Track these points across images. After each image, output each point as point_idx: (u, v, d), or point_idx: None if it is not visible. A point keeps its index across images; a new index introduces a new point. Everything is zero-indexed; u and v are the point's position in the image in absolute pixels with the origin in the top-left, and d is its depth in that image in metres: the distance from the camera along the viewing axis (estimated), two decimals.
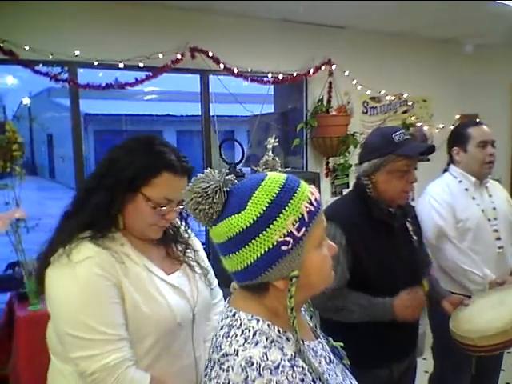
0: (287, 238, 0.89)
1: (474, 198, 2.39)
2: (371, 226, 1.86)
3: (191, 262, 1.47)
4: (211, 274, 1.55)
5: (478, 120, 2.94)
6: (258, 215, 0.89)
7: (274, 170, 3.47)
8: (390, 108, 4.56)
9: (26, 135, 3.13)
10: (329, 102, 4.05)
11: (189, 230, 1.55)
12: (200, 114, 3.74)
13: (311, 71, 3.90)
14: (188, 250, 1.49)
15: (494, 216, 2.39)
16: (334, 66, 4.01)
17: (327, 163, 4.19)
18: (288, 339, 0.94)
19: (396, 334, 1.85)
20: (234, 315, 0.96)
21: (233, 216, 0.91)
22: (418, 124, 4.68)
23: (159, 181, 1.30)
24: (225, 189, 0.94)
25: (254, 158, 3.77)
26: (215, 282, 1.58)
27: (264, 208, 0.90)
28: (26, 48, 2.84)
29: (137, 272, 1.30)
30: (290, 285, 0.92)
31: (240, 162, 3.29)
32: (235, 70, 3.52)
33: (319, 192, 1.06)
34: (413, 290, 1.76)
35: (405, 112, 4.66)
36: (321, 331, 1.16)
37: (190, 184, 0.95)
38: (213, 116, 3.74)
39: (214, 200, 0.92)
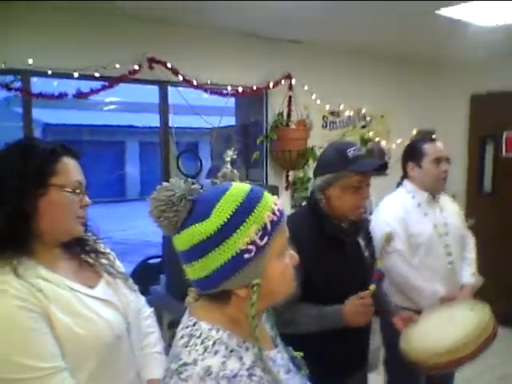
0: (250, 247, 0.92)
1: (426, 214, 2.44)
2: (323, 241, 1.86)
3: (110, 270, 1.40)
4: (130, 278, 1.49)
5: (433, 136, 3.02)
6: (222, 223, 0.91)
7: (232, 182, 3.46)
8: (349, 123, 4.64)
9: None
10: (288, 115, 4.08)
11: (91, 235, 1.45)
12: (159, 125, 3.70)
13: (271, 85, 3.93)
14: (101, 257, 1.42)
15: (445, 231, 2.44)
16: (293, 80, 4.05)
17: (287, 176, 4.21)
18: (247, 349, 0.95)
19: (346, 346, 1.85)
20: (194, 325, 0.96)
21: (197, 224, 0.93)
22: (376, 139, 4.77)
23: (63, 166, 1.26)
24: (190, 197, 0.95)
25: (216, 170, 3.74)
26: (135, 286, 1.51)
27: (228, 216, 0.92)
28: None
29: (60, 294, 1.21)
30: (252, 293, 0.93)
31: (198, 174, 3.26)
32: (194, 82, 3.50)
33: None
34: (360, 294, 1.77)
35: (363, 127, 4.74)
36: (280, 341, 1.16)
37: (155, 192, 0.96)
38: (171, 127, 3.71)
39: (179, 208, 0.94)
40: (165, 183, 0.97)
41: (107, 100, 11.24)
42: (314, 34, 3.91)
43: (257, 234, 0.92)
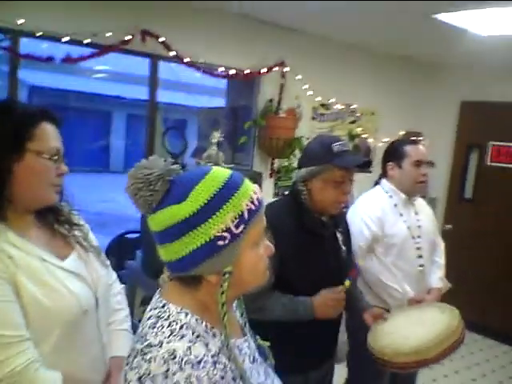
0: (225, 234, 0.90)
1: (401, 215, 2.45)
2: (301, 233, 1.86)
3: (82, 242, 1.37)
4: (103, 252, 1.46)
5: (418, 138, 3.02)
6: (198, 207, 0.90)
7: (217, 164, 3.44)
8: (339, 117, 4.62)
9: None
10: (279, 103, 4.05)
11: (66, 205, 1.41)
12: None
13: (263, 70, 3.88)
14: (74, 228, 1.38)
15: (418, 234, 2.45)
16: (286, 69, 4.01)
17: (272, 164, 4.19)
18: (215, 335, 0.95)
19: (315, 338, 1.87)
20: (163, 306, 0.95)
21: (173, 205, 0.91)
22: (364, 136, 4.77)
23: (40, 131, 1.22)
24: (168, 178, 0.94)
25: (202, 150, 3.70)
26: (107, 261, 1.49)
27: (205, 201, 0.90)
28: None
29: (29, 263, 1.19)
30: (223, 280, 0.93)
31: (183, 152, 3.22)
32: (186, 59, 3.44)
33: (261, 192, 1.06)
34: (334, 288, 1.78)
35: (352, 122, 4.73)
36: (249, 329, 1.15)
37: (133, 169, 0.94)
38: (159, 103, 3.65)
39: (156, 188, 0.92)
40: (143, 161, 0.95)
41: (97, 68, 11.03)
42: (312, 25, 3.88)
43: (233, 222, 0.91)
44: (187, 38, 3.48)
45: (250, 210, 0.93)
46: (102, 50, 3.11)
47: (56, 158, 1.25)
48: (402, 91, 4.99)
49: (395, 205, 2.45)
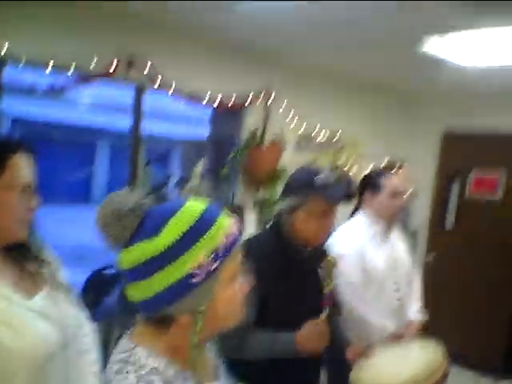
0: (198, 271, 0.85)
1: (379, 247, 2.41)
2: (283, 268, 1.82)
3: (51, 281, 1.30)
4: (73, 290, 1.40)
5: (402, 166, 2.99)
6: (172, 243, 0.85)
7: (199, 196, 3.40)
8: (323, 147, 4.64)
9: None
10: (263, 134, 4.05)
11: (35, 241, 1.35)
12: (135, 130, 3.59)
13: (248, 101, 3.89)
14: (43, 266, 1.32)
15: (395, 266, 2.42)
16: (271, 99, 4.03)
17: (255, 196, 4.16)
18: (186, 379, 0.89)
19: (297, 376, 1.80)
20: (131, 350, 0.89)
21: (145, 241, 0.86)
22: (348, 165, 4.79)
23: (13, 164, 1.18)
24: (140, 212, 0.89)
25: (185, 181, 3.66)
26: (78, 300, 1.43)
27: (178, 236, 0.85)
28: None
29: None
30: (196, 320, 0.87)
31: (165, 184, 3.18)
32: (171, 89, 3.43)
33: (243, 225, 1.03)
34: (314, 320, 1.72)
35: (336, 152, 4.75)
36: (225, 372, 1.09)
37: (103, 202, 0.90)
38: (143, 134, 3.61)
39: (126, 223, 0.87)
40: (114, 194, 0.91)
41: (82, 98, 11.02)
42: (296, 55, 3.92)
43: (208, 258, 0.86)
44: (172, 66, 3.46)
45: (225, 246, 0.89)
46: (85, 78, 3.08)
47: (27, 192, 1.20)
48: (386, 121, 5.04)
49: (374, 236, 2.42)
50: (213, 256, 0.87)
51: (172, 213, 0.89)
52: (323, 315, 1.75)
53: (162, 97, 3.56)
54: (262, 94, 3.99)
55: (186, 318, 0.88)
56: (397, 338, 2.25)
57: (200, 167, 3.29)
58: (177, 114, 3.92)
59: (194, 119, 3.87)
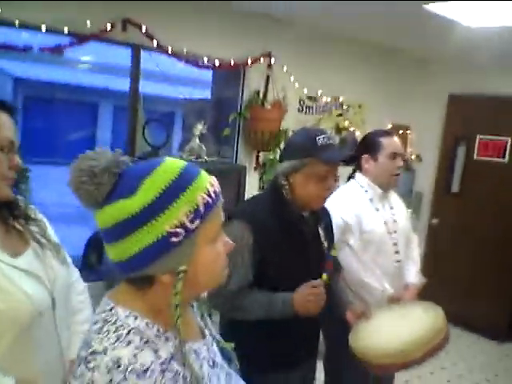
0: (178, 230, 0.83)
1: (377, 210, 2.38)
2: (281, 229, 1.80)
3: (39, 238, 1.28)
4: (63, 249, 1.38)
5: (406, 131, 2.94)
6: (149, 202, 0.82)
7: (199, 157, 3.37)
8: (326, 109, 4.56)
9: None
10: (265, 95, 3.97)
11: (20, 197, 1.32)
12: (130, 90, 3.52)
13: (249, 61, 3.80)
14: (31, 224, 1.29)
15: (394, 229, 2.39)
16: (273, 60, 3.93)
17: (257, 157, 4.12)
18: (167, 339, 0.87)
19: (296, 336, 1.81)
20: (110, 310, 0.87)
21: (121, 200, 0.83)
22: (351, 129, 4.72)
23: None
24: (115, 170, 0.85)
25: (186, 143, 3.62)
26: (69, 258, 1.41)
27: (156, 194, 0.83)
28: None
29: None
30: (177, 280, 0.85)
31: (164, 145, 3.14)
32: (169, 49, 3.35)
33: (245, 186, 0.99)
34: (312, 282, 1.71)
35: (339, 115, 4.67)
36: (212, 331, 1.08)
37: (77, 160, 0.86)
38: (145, 95, 3.56)
39: (101, 181, 0.84)
40: (89, 152, 0.87)
41: (83, 59, 10.85)
42: (300, 15, 3.80)
43: (187, 217, 0.84)
44: (170, 27, 3.39)
45: (206, 204, 0.86)
46: (81, 39, 3.01)
47: (7, 149, 1.16)
48: (390, 84, 4.93)
49: (371, 199, 2.38)
50: (192, 215, 0.84)
51: (149, 171, 0.86)
52: (323, 278, 1.74)
53: (162, 58, 3.48)
54: (264, 56, 3.88)
55: (167, 279, 0.86)
56: (396, 300, 2.24)
57: (200, 128, 3.23)
58: (177, 76, 3.84)
59: (194, 81, 3.78)
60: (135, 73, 3.50)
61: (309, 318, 1.74)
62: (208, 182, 0.89)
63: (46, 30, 2.89)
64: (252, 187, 4.02)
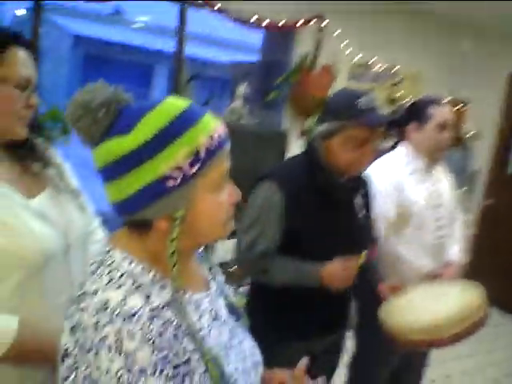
0: (176, 173, 0.78)
1: (421, 182, 2.24)
2: (315, 195, 1.71)
3: (56, 182, 1.25)
4: (83, 196, 1.34)
5: (465, 106, 2.74)
6: (145, 141, 0.77)
7: (239, 119, 3.30)
8: (378, 78, 4.35)
9: None
10: (314, 59, 3.82)
11: (41, 141, 1.29)
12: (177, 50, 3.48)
13: (299, 23, 3.65)
14: (49, 167, 1.26)
15: (438, 203, 2.25)
16: (324, 23, 3.75)
17: (303, 123, 4.00)
18: (164, 287, 0.83)
19: (322, 306, 1.75)
20: (108, 252, 0.85)
21: (117, 137, 0.79)
22: (405, 100, 4.49)
23: (10, 56, 1.10)
24: (114, 106, 0.80)
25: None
26: (90, 206, 1.38)
27: (154, 133, 0.77)
28: None
29: None
30: (173, 226, 0.81)
31: (206, 103, 3.08)
32: (217, 6, 3.25)
33: (287, 152, 0.92)
34: (347, 258, 1.63)
35: (393, 85, 4.46)
36: (221, 285, 1.04)
37: (76, 94, 0.81)
38: (195, 59, 3.51)
39: (98, 115, 0.79)
40: (88, 86, 0.82)
41: (139, 19, 10.93)
42: None
43: (186, 160, 0.79)
44: None
45: (208, 148, 0.80)
46: None
47: (25, 87, 1.13)
48: (450, 56, 4.62)
49: (414, 171, 2.24)
50: (192, 158, 0.79)
51: (149, 109, 0.81)
52: (362, 256, 1.66)
53: (210, 20, 3.39)
54: (316, 18, 3.71)
55: (164, 224, 0.82)
56: (434, 277, 2.13)
57: (243, 89, 3.15)
58: (225, 38, 3.80)
59: (242, 44, 3.71)
60: (181, 33, 3.44)
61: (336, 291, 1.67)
62: (213, 125, 0.83)
63: None
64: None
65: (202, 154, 0.80)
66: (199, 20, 3.41)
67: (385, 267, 2.18)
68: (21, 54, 1.13)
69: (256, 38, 4.24)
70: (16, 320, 1.07)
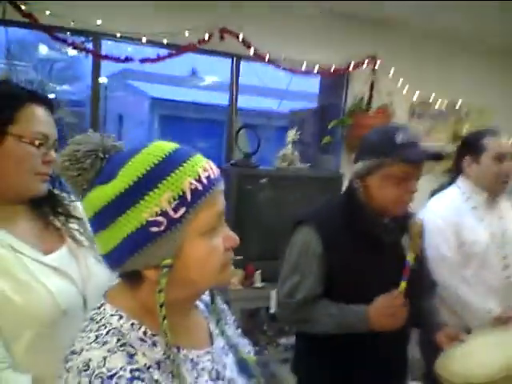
0: (160, 218, 0.74)
1: (482, 219, 2.08)
2: (355, 237, 1.61)
3: (76, 235, 1.23)
4: None
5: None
6: (126, 187, 0.74)
7: (292, 164, 3.26)
8: (441, 115, 4.19)
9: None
10: (369, 101, 3.77)
11: (65, 194, 1.29)
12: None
13: (352, 66, 3.63)
14: (71, 221, 1.25)
15: (503, 241, 2.07)
16: (378, 63, 3.71)
17: None
18: (155, 344, 0.78)
19: (374, 357, 1.60)
20: (100, 307, 0.81)
21: (102, 186, 0.76)
22: None
23: (25, 114, 1.12)
24: (101, 155, 0.79)
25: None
26: None
27: (135, 179, 0.74)
28: (47, 13, 2.76)
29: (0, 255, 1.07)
30: (161, 276, 0.75)
31: (255, 152, 3.08)
32: (267, 57, 3.31)
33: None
34: (390, 293, 1.50)
35: (457, 122, 4.27)
36: (232, 339, 0.96)
37: (66, 146, 0.81)
38: (251, 111, 3.61)
39: (84, 166, 0.78)
40: (76, 136, 0.81)
41: (206, 78, 11.49)
42: (405, 15, 3.54)
43: (170, 204, 0.74)
44: (267, 36, 3.35)
45: (195, 190, 0.75)
46: (179, 49, 3.10)
47: (42, 143, 1.14)
48: None
49: (474, 207, 2.09)
50: (177, 202, 0.74)
51: (132, 154, 0.78)
52: (402, 286, 1.52)
53: (261, 70, 3.47)
54: (368, 59, 3.68)
55: (153, 274, 0.77)
56: (503, 322, 1.93)
57: (292, 135, 3.14)
58: (279, 87, 3.88)
59: (299, 94, 3.74)
60: (232, 85, 3.53)
61: (390, 334, 1.53)
62: (201, 167, 0.78)
63: (147, 42, 3.01)
64: None
65: (188, 197, 0.75)
66: (250, 71, 3.48)
67: (446, 313, 2.01)
68: (37, 112, 1.15)
69: (311, 85, 4.27)
70: (29, 380, 1.05)
